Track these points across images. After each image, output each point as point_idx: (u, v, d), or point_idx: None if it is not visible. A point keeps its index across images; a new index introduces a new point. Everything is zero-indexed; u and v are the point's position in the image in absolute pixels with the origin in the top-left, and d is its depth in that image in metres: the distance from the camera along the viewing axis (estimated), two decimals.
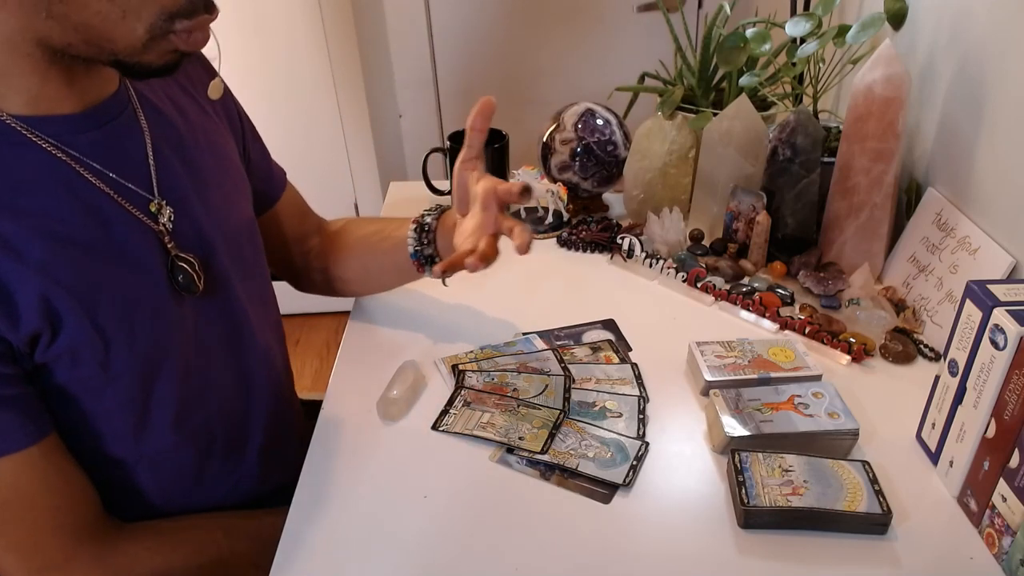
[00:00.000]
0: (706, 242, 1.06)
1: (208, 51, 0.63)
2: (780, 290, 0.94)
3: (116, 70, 0.59)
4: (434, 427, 0.75)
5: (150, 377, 0.66)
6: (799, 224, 0.99)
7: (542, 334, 0.89)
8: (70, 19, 0.53)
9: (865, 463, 0.67)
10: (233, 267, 0.74)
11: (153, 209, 0.65)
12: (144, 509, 0.72)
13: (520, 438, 0.73)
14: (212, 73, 0.81)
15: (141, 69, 0.58)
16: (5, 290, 0.56)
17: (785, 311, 0.91)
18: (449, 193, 1.19)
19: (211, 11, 0.57)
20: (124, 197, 0.63)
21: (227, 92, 0.83)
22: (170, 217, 0.67)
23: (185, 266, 0.67)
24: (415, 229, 0.84)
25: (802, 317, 0.89)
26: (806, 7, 1.29)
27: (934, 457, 0.70)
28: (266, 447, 0.81)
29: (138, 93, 0.68)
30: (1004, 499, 0.60)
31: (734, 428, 0.70)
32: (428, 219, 0.84)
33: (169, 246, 0.66)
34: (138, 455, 0.68)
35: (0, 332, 0.56)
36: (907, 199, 0.98)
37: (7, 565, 0.62)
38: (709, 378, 0.77)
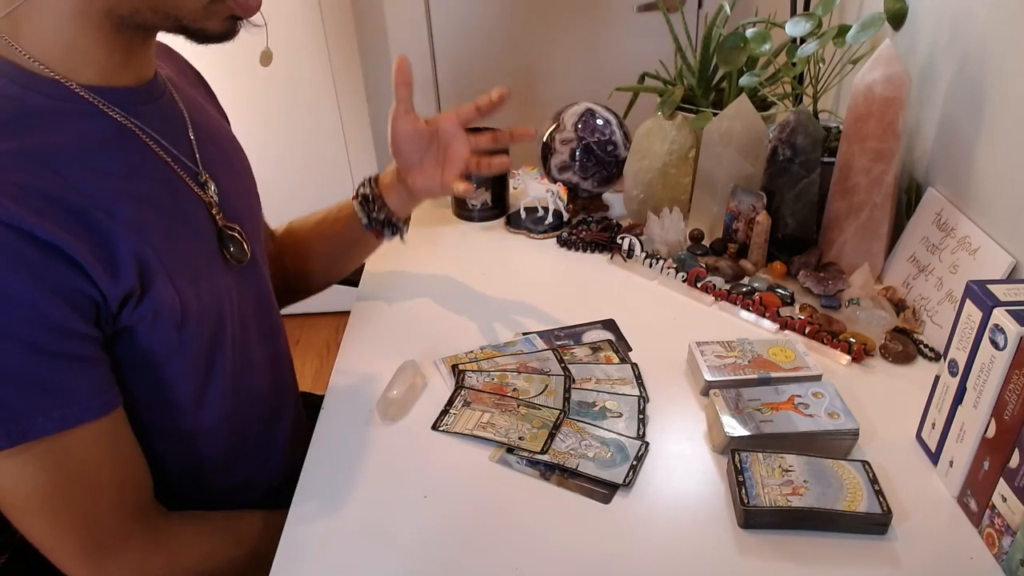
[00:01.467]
0: (706, 242, 1.06)
1: (255, 19, 0.67)
2: (780, 290, 0.94)
3: (181, 35, 0.62)
4: (434, 427, 0.75)
5: (211, 344, 0.68)
6: (799, 224, 0.99)
7: (542, 334, 0.89)
8: None
9: (865, 463, 0.67)
10: (257, 243, 0.78)
11: (202, 180, 0.69)
12: (186, 485, 0.73)
13: (520, 438, 0.73)
14: (207, 86, 0.86)
15: (203, 35, 0.62)
16: (108, 246, 0.57)
17: (785, 311, 0.91)
18: None
19: None
20: (180, 167, 0.67)
21: (216, 99, 0.85)
22: (215, 190, 0.70)
23: (235, 235, 0.71)
24: (360, 203, 0.90)
25: (802, 317, 0.89)
26: (806, 7, 1.29)
27: (934, 457, 0.70)
28: (294, 420, 0.84)
29: (169, 80, 0.71)
30: (1004, 499, 0.60)
31: (734, 428, 0.70)
32: (365, 191, 0.90)
33: (217, 217, 0.70)
34: (196, 425, 0.70)
35: (92, 291, 0.56)
36: (907, 199, 0.98)
37: (64, 545, 0.61)
38: (709, 378, 0.77)
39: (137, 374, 0.63)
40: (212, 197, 0.70)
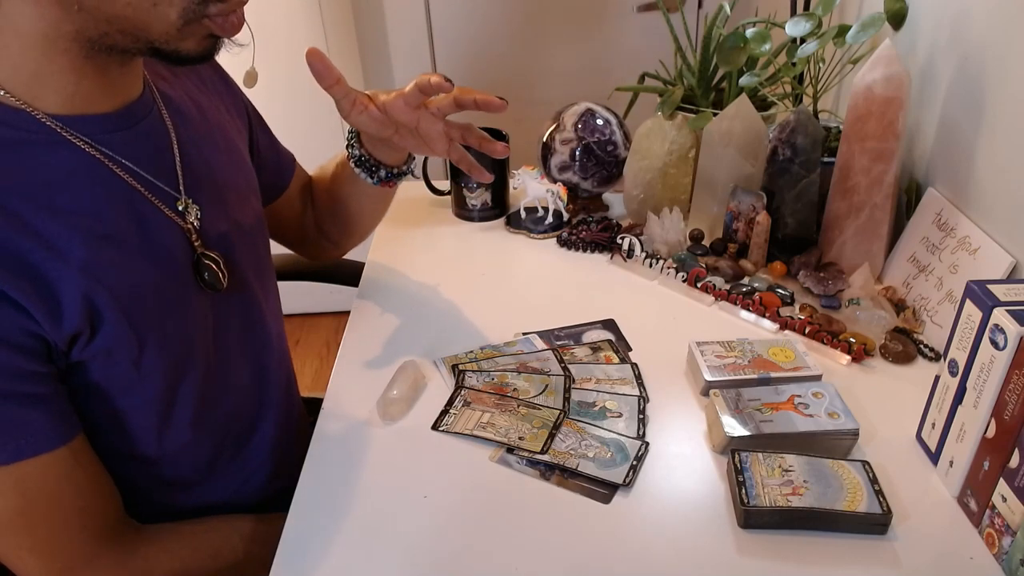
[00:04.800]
0: (706, 242, 1.06)
1: (240, 37, 0.63)
2: (780, 290, 0.94)
3: (154, 59, 0.59)
4: (434, 427, 0.75)
5: (176, 375, 0.66)
6: (799, 224, 0.99)
7: (542, 334, 0.89)
8: (101, 11, 0.53)
9: (865, 463, 0.67)
10: (249, 264, 0.76)
11: (180, 207, 0.67)
12: (157, 504, 0.72)
13: (520, 438, 0.73)
14: (222, 72, 0.83)
15: (179, 57, 0.58)
16: (50, 289, 0.56)
17: (785, 311, 0.91)
18: (449, 193, 1.19)
19: None
20: (154, 195, 0.64)
21: (234, 83, 0.84)
22: (197, 215, 0.68)
23: (211, 264, 0.68)
24: (357, 164, 0.84)
25: (802, 317, 0.89)
26: (806, 7, 1.29)
27: (934, 457, 0.70)
28: (276, 442, 0.82)
29: (162, 94, 0.69)
30: (1004, 499, 0.60)
31: (734, 428, 0.70)
32: (356, 152, 0.84)
33: (196, 244, 0.67)
34: (158, 451, 0.69)
35: (40, 330, 0.56)
36: (907, 199, 0.98)
37: (30, 567, 0.62)
38: (709, 378, 0.77)
39: (94, 404, 0.63)
40: (192, 224, 0.67)
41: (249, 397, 0.78)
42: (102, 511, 0.65)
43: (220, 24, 0.57)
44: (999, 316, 0.60)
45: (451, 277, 1.02)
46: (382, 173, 0.85)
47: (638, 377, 0.81)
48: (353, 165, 0.85)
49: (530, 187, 1.11)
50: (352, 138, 0.85)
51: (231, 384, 0.74)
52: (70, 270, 0.57)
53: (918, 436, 0.73)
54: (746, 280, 0.97)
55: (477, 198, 1.15)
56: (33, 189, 0.56)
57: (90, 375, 0.61)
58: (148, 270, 0.63)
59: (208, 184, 0.70)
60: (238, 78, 0.82)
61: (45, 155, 0.57)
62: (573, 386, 0.80)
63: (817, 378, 0.78)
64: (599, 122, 1.12)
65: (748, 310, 0.92)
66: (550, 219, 1.12)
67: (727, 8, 1.07)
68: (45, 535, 0.61)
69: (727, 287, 0.95)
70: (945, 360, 0.68)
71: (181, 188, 0.67)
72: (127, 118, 0.63)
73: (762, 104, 1.07)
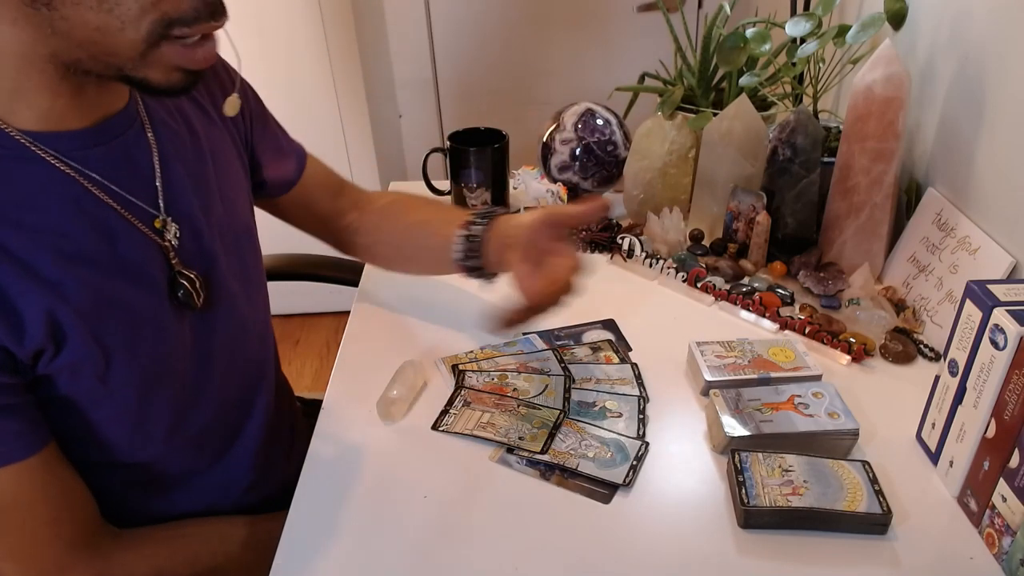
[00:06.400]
0: (706, 242, 1.06)
1: (226, 56, 0.61)
2: (780, 290, 0.94)
3: (127, 86, 0.58)
4: (434, 427, 0.75)
5: (147, 390, 0.65)
6: (799, 224, 0.99)
7: (542, 334, 0.89)
8: (73, 36, 0.53)
9: (865, 463, 0.67)
10: (234, 277, 0.74)
11: (158, 225, 0.65)
12: (134, 510, 0.72)
13: (520, 438, 0.73)
14: (231, 83, 0.80)
15: (148, 86, 0.57)
16: (11, 304, 0.55)
17: (785, 311, 0.91)
18: (449, 193, 1.19)
19: (217, 18, 0.56)
20: (130, 212, 0.63)
21: (237, 79, 0.82)
22: (175, 233, 0.67)
23: (185, 283, 0.66)
24: (464, 238, 0.79)
25: (802, 317, 0.89)
26: (806, 7, 1.29)
27: (934, 457, 0.70)
28: (259, 453, 0.81)
29: (147, 107, 0.67)
30: (1004, 499, 0.60)
31: (734, 428, 0.70)
32: (476, 228, 0.79)
33: (173, 262, 0.66)
34: (132, 460, 0.68)
35: (4, 343, 0.56)
36: (907, 199, 0.98)
37: (4, 572, 0.62)
38: (709, 378, 0.77)
39: (64, 415, 0.62)
40: (170, 241, 0.66)
41: (231, 411, 0.77)
42: (75, 520, 0.64)
43: (184, 55, 0.56)
44: (999, 316, 0.60)
45: (451, 277, 1.02)
46: (471, 263, 0.81)
47: (638, 377, 0.81)
48: (461, 238, 0.80)
49: (530, 187, 1.11)
50: (488, 215, 0.80)
51: (211, 398, 0.73)
52: (35, 287, 0.56)
53: (918, 436, 0.73)
54: (746, 280, 0.97)
55: (477, 198, 1.15)
56: (2, 205, 0.56)
57: (57, 389, 0.60)
58: (119, 287, 0.62)
59: (192, 199, 0.69)
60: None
61: (16, 171, 0.57)
62: (573, 386, 0.80)
63: (817, 378, 0.78)
64: (599, 122, 1.12)
65: (748, 310, 0.92)
66: None
67: (727, 8, 1.07)
68: (18, 543, 0.61)
69: (727, 287, 0.95)
70: (945, 360, 0.68)
71: (160, 205, 0.66)
72: (103, 133, 0.62)
73: (762, 104, 1.07)
